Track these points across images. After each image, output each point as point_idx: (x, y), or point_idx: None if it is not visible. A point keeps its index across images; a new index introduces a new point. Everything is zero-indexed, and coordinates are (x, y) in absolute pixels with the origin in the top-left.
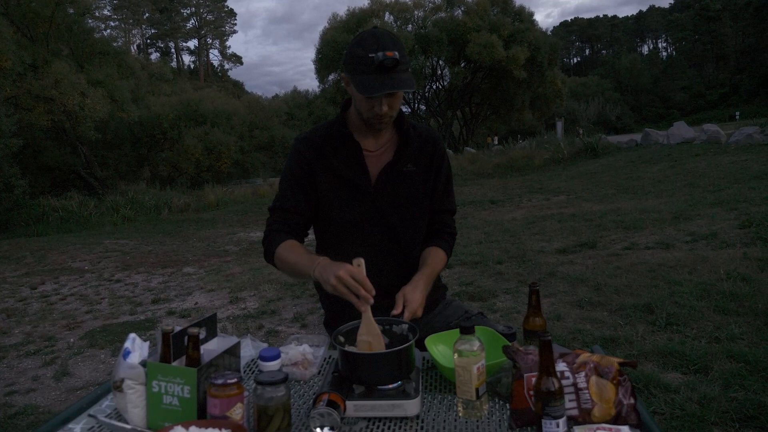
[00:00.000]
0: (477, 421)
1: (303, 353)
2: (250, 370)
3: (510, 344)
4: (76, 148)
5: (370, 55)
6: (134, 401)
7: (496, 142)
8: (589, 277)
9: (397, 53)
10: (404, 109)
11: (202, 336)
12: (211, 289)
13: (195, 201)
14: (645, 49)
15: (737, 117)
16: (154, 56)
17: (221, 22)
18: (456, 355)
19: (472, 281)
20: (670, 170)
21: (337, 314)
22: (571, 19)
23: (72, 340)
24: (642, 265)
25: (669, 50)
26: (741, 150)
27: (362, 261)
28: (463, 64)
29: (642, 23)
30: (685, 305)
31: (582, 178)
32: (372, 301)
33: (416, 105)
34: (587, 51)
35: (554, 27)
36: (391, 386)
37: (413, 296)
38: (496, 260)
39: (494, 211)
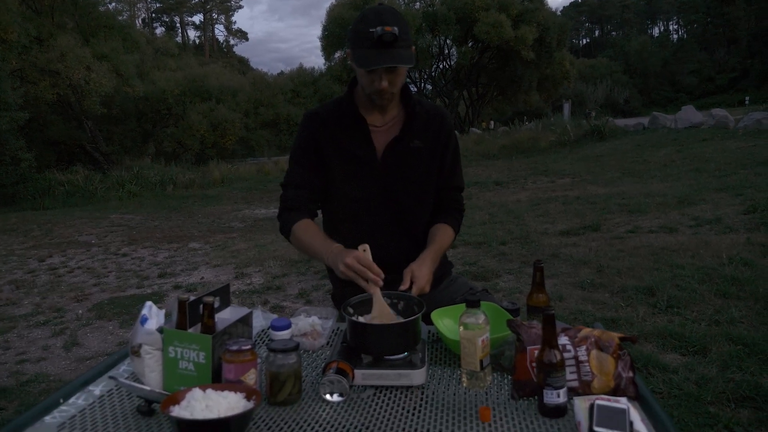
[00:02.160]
0: (480, 391)
1: (312, 324)
2: (260, 340)
3: (514, 318)
4: (82, 122)
5: (370, 30)
6: (151, 366)
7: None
8: (592, 259)
9: (396, 29)
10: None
11: (216, 305)
12: (216, 265)
13: (200, 177)
14: (656, 31)
15: (747, 102)
16: (159, 31)
17: None
18: (461, 328)
19: (476, 261)
20: (676, 155)
21: (345, 288)
22: (582, 0)
23: (80, 311)
24: (645, 248)
25: (680, 33)
26: (749, 135)
27: (367, 246)
28: (470, 44)
29: (653, 5)
30: (687, 288)
31: (588, 161)
32: (381, 283)
33: (422, 84)
34: (597, 32)
35: (564, 7)
36: (398, 356)
37: (420, 272)
38: (500, 241)
39: (499, 192)
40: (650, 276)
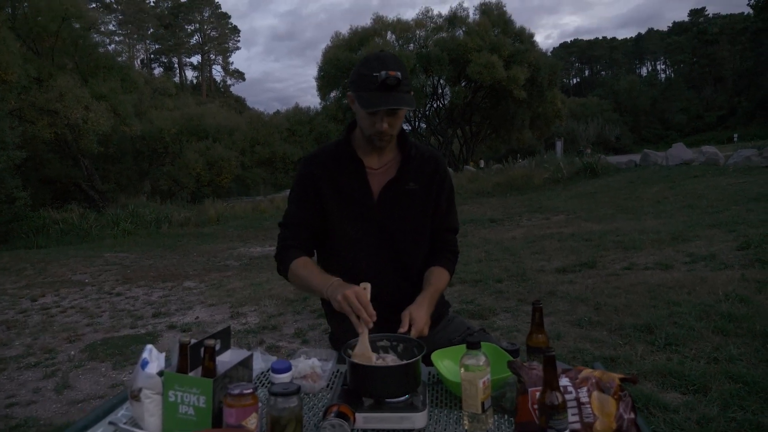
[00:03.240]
0: None
1: (312, 366)
2: (260, 383)
3: (515, 360)
4: (78, 160)
5: (374, 74)
6: (151, 410)
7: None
8: (589, 296)
9: (399, 73)
10: (405, 127)
11: (217, 348)
12: (211, 304)
13: (195, 215)
14: (644, 71)
15: (735, 139)
16: (158, 71)
17: (224, 38)
18: (462, 370)
19: (473, 299)
20: (668, 191)
21: (343, 330)
22: (571, 41)
23: (72, 352)
24: (641, 285)
25: (667, 72)
26: (739, 172)
27: (369, 285)
28: (463, 83)
29: (641, 45)
30: (684, 325)
31: (581, 198)
32: (371, 325)
33: (417, 123)
34: (587, 72)
35: (554, 48)
36: (399, 399)
37: (418, 315)
38: (496, 279)
39: (494, 229)
40: (647, 313)
